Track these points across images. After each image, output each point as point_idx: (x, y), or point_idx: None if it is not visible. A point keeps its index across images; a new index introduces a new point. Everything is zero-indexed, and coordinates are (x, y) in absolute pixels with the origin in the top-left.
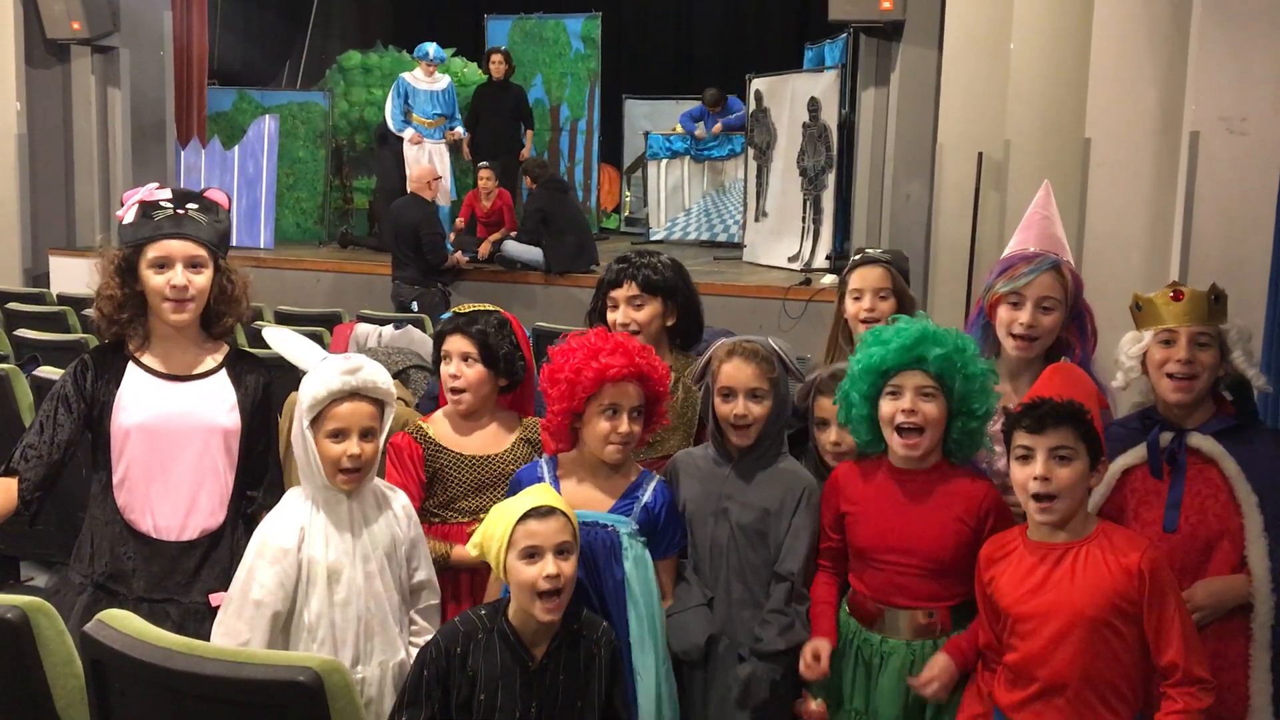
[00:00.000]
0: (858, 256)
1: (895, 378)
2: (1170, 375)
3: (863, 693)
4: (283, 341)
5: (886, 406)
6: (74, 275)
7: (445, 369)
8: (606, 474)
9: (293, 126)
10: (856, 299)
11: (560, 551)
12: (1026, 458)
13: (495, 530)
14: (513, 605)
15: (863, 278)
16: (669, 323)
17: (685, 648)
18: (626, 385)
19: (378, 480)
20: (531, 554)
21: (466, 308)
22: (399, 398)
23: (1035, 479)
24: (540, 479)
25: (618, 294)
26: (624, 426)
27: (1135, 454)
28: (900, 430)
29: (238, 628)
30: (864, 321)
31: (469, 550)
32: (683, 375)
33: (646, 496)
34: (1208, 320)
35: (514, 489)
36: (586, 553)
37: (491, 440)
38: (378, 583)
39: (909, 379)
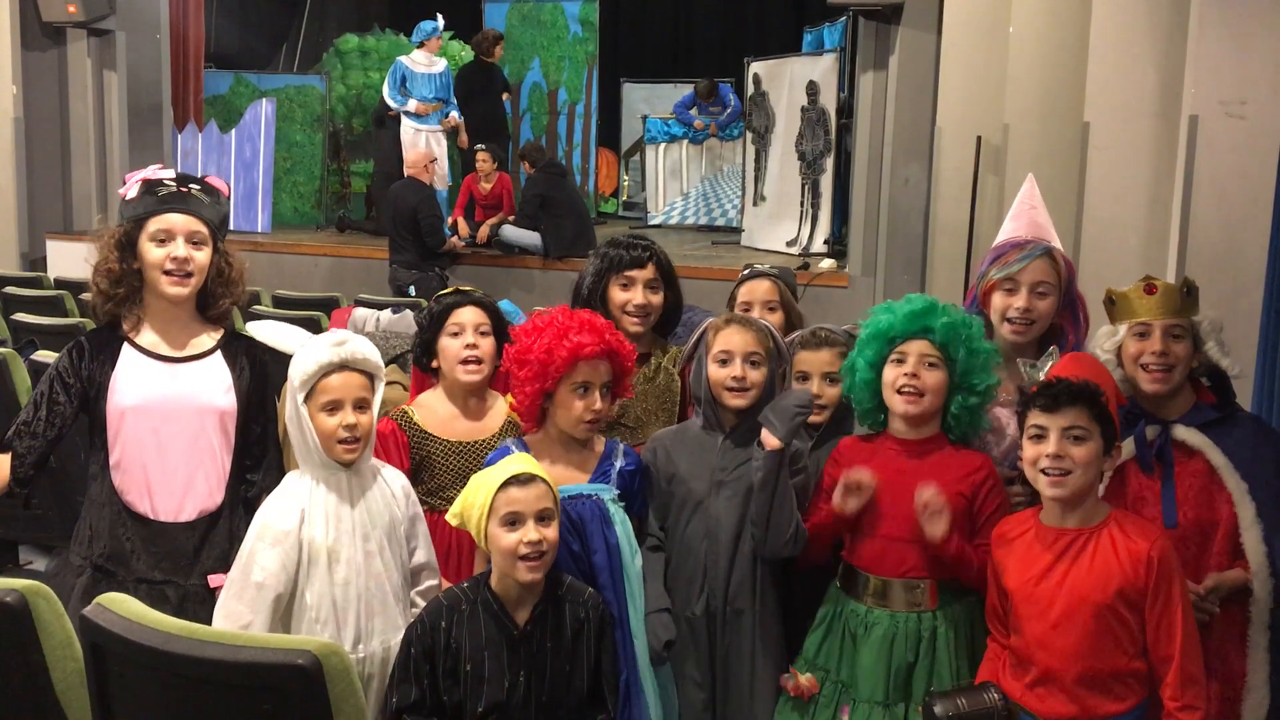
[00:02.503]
0: (746, 271)
1: (901, 345)
2: (1145, 367)
3: (848, 664)
4: (269, 332)
5: (890, 372)
6: (71, 259)
7: (456, 342)
8: (577, 450)
9: (290, 110)
10: (745, 311)
11: (541, 518)
12: (1040, 437)
13: (476, 499)
14: (494, 574)
15: (750, 291)
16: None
17: (652, 649)
18: (598, 363)
19: (375, 460)
20: (513, 521)
21: (463, 288)
22: (396, 381)
23: (1048, 456)
24: None
25: (638, 274)
26: (596, 404)
27: (1125, 449)
28: (901, 390)
29: (239, 610)
30: None
31: (449, 519)
32: (664, 361)
33: (620, 461)
34: (1180, 313)
35: None
36: (576, 523)
37: (480, 423)
38: (378, 562)
39: (914, 346)
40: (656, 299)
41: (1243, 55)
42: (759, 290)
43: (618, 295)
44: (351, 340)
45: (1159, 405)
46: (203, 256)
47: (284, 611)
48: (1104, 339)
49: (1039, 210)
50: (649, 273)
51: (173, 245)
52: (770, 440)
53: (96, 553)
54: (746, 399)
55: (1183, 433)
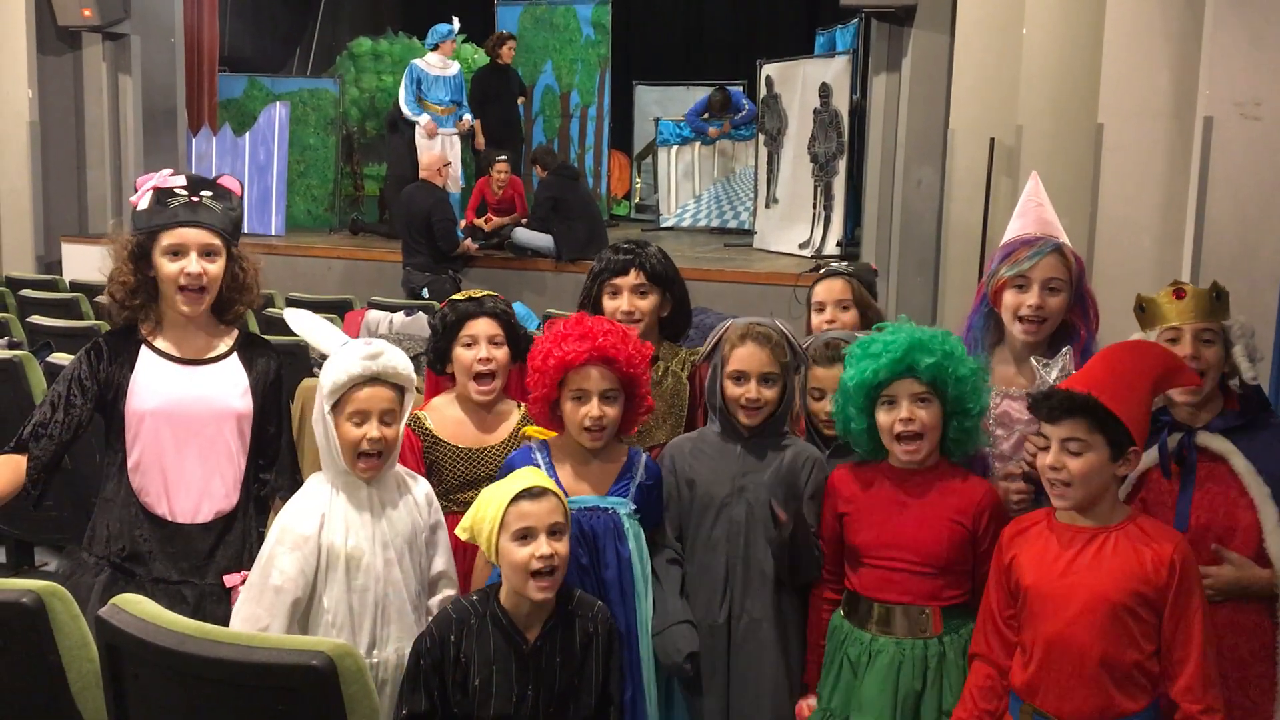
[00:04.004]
0: (822, 270)
1: (889, 388)
2: None
3: (843, 694)
4: (303, 324)
5: (884, 417)
6: (86, 262)
7: (469, 353)
8: (597, 457)
9: (303, 113)
10: (819, 311)
11: (553, 532)
12: (1047, 446)
13: (487, 512)
14: (504, 588)
15: (826, 290)
16: (663, 314)
17: (671, 663)
18: (590, 370)
19: (399, 468)
20: (524, 535)
21: (477, 293)
22: None
23: (1049, 467)
24: (534, 465)
25: (622, 281)
26: (594, 411)
27: (1150, 456)
28: (900, 438)
29: (257, 614)
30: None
31: (459, 534)
32: (671, 365)
33: (640, 475)
34: (1210, 317)
35: (505, 473)
36: (588, 535)
37: (490, 431)
38: (396, 570)
39: (903, 388)
40: (644, 304)
41: (1258, 56)
42: (833, 290)
43: (607, 304)
44: (386, 353)
45: (1189, 411)
46: (216, 269)
47: (301, 615)
48: None
49: (1045, 207)
50: (634, 278)
51: (186, 260)
52: (780, 514)
53: (114, 552)
54: (759, 417)
55: (1206, 438)
